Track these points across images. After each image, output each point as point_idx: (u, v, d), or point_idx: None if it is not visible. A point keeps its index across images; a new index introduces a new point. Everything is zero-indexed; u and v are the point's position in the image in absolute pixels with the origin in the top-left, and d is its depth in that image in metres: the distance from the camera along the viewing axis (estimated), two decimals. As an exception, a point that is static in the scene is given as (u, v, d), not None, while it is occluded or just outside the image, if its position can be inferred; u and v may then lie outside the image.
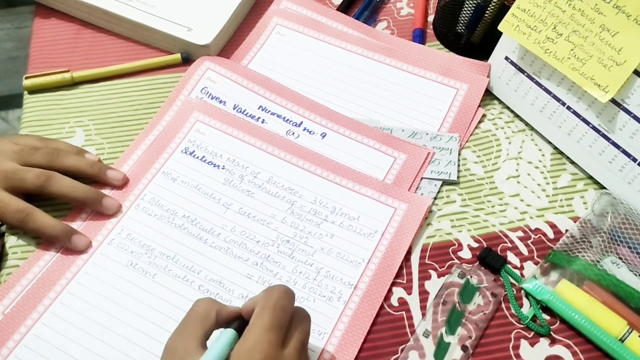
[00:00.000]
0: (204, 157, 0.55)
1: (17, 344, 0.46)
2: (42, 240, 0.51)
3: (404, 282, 0.50)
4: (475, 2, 0.60)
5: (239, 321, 0.40)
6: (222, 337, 0.39)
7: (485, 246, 0.52)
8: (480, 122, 0.59)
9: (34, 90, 0.59)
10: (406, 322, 0.48)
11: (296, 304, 0.43)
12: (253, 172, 0.55)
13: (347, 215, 0.53)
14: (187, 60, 0.55)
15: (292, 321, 0.40)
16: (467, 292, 0.49)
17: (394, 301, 0.49)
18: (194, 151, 0.55)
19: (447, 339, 0.47)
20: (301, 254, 0.51)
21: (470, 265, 0.51)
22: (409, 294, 0.49)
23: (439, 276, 0.50)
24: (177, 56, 0.55)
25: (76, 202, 0.52)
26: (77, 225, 0.52)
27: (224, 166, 0.55)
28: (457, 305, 0.48)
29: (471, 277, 0.50)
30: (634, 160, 0.51)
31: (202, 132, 0.57)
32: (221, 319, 0.40)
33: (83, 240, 0.50)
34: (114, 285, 0.49)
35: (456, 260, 0.51)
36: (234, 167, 0.55)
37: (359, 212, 0.53)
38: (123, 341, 0.46)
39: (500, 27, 0.55)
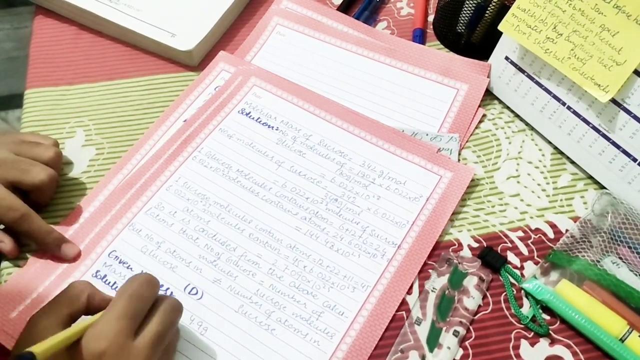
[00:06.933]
0: (259, 118, 0.58)
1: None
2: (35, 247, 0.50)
3: (404, 282, 0.50)
4: (475, 2, 0.60)
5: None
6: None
7: (485, 246, 0.52)
8: (480, 122, 0.59)
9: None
10: (406, 322, 0.48)
11: (342, 259, 0.45)
12: (305, 134, 0.57)
13: (394, 179, 0.55)
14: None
15: (152, 311, 0.40)
16: (456, 278, 0.50)
17: (394, 301, 0.49)
18: (249, 112, 0.59)
19: (439, 325, 0.47)
20: (348, 213, 0.53)
21: (456, 254, 0.51)
22: (409, 293, 0.49)
23: (439, 275, 0.50)
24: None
25: (37, 245, 0.50)
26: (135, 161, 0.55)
27: (277, 127, 0.58)
28: (447, 291, 0.49)
29: (459, 263, 0.50)
30: (634, 160, 0.51)
31: (259, 96, 0.60)
32: (92, 305, 0.39)
33: (73, 249, 0.49)
34: (172, 229, 0.52)
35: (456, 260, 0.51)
36: (287, 129, 0.58)
37: (406, 177, 0.55)
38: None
39: (500, 27, 0.55)
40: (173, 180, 0.55)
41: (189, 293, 0.49)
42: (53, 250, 0.49)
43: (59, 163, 0.52)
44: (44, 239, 0.49)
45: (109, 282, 0.49)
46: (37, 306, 0.47)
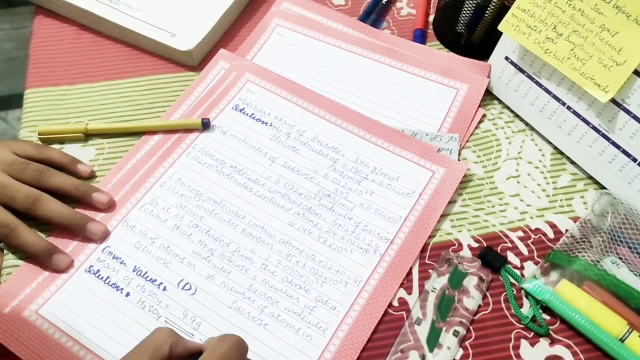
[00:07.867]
0: (252, 114, 0.59)
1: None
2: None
3: (404, 281, 0.50)
4: (475, 2, 0.60)
5: (194, 358, 0.38)
6: None
7: (485, 246, 0.52)
8: (480, 122, 0.59)
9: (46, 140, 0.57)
10: (406, 322, 0.48)
11: (335, 254, 0.45)
12: (299, 130, 0.58)
13: (387, 175, 0.55)
14: (207, 126, 0.56)
15: None
16: (456, 277, 0.50)
17: (394, 301, 0.49)
18: (243, 108, 0.59)
19: (439, 325, 0.48)
20: (341, 208, 0.53)
21: (456, 254, 0.51)
22: (409, 293, 0.50)
23: (439, 275, 0.50)
24: (198, 121, 0.56)
25: (61, 227, 0.51)
26: (117, 177, 0.55)
27: (271, 123, 0.58)
28: (447, 291, 0.49)
29: (459, 263, 0.50)
30: (634, 160, 0.51)
31: (253, 92, 0.60)
32: (175, 353, 0.38)
33: (64, 260, 0.49)
34: (165, 225, 0.52)
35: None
36: (281, 125, 0.58)
37: (399, 173, 0.55)
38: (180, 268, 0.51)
39: (500, 27, 0.55)
40: (167, 177, 0.55)
41: (182, 288, 0.49)
42: (44, 261, 0.49)
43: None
44: (34, 250, 0.49)
45: (102, 277, 0.49)
46: (30, 301, 0.47)
